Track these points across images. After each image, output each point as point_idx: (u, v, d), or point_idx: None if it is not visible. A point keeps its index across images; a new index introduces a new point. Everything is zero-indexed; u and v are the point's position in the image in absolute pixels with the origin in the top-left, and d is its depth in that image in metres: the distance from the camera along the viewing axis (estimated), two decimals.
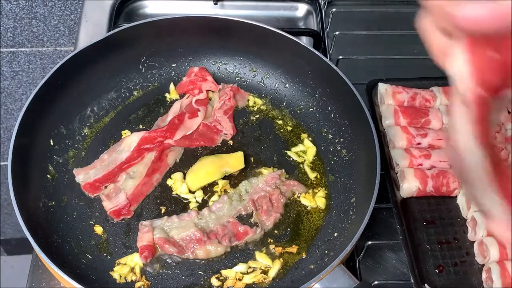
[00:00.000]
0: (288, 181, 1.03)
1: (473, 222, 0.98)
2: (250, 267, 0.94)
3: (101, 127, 1.09)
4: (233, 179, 1.04)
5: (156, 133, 1.05)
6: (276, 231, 0.98)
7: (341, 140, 1.08)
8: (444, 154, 1.04)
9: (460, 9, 0.47)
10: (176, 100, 1.14)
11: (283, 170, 1.05)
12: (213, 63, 1.18)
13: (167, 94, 1.15)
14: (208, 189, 1.02)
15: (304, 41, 1.26)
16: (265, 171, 1.04)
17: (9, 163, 0.90)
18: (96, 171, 1.01)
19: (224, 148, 1.09)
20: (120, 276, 0.91)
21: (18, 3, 1.46)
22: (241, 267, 0.94)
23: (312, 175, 1.06)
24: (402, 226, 0.97)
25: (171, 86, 1.15)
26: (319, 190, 1.03)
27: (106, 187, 1.01)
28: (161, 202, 1.01)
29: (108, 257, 0.94)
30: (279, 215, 0.99)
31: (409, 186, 1.00)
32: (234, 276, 0.93)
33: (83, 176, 1.01)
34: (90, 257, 0.93)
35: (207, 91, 1.13)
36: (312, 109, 1.13)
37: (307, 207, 1.02)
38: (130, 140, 1.05)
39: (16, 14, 1.49)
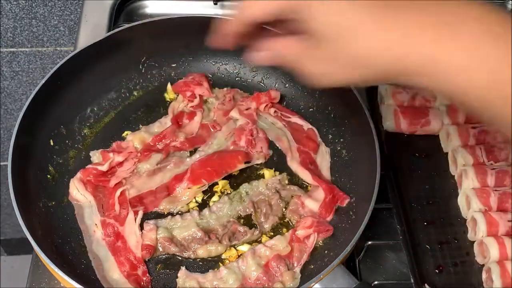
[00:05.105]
0: (289, 186, 1.03)
1: (473, 222, 0.98)
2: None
3: (101, 127, 1.09)
4: (234, 179, 1.04)
5: (159, 137, 1.05)
6: (273, 233, 0.98)
7: (341, 140, 1.08)
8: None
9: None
10: (175, 100, 1.14)
11: (285, 174, 1.04)
12: (213, 63, 1.18)
13: (166, 94, 1.15)
14: (208, 189, 1.02)
15: None
16: (266, 171, 1.04)
17: (9, 163, 0.90)
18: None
19: None
20: None
21: (18, 3, 1.46)
22: (245, 247, 0.94)
23: None
24: (402, 226, 0.97)
25: (168, 86, 1.15)
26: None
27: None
28: None
29: None
30: (277, 218, 0.99)
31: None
32: (235, 254, 0.94)
33: (96, 157, 1.03)
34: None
35: (200, 95, 1.12)
36: (312, 109, 1.13)
37: None
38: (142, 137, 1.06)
39: (16, 14, 1.49)
